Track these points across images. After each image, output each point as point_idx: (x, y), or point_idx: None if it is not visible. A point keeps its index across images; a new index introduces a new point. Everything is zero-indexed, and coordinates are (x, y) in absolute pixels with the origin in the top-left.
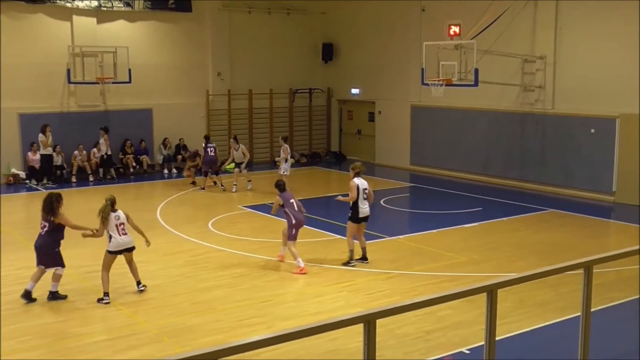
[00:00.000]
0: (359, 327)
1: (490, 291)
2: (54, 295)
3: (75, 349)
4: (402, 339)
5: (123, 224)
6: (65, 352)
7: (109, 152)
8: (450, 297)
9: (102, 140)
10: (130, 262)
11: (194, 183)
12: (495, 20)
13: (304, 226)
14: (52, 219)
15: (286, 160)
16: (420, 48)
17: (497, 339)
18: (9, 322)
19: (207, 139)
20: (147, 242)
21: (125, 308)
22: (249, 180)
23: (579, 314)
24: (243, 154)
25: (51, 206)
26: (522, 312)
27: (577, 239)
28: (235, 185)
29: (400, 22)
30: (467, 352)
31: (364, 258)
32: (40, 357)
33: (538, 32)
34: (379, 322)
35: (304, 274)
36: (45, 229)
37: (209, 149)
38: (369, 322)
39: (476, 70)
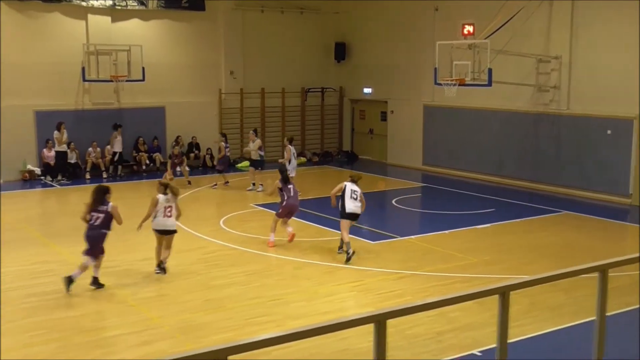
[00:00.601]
0: (370, 327)
1: (503, 293)
2: (96, 282)
3: (90, 344)
4: (413, 339)
5: (171, 207)
6: (80, 347)
7: (122, 148)
8: (462, 299)
9: (119, 137)
10: (166, 248)
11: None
12: (509, 20)
13: (315, 225)
14: (107, 210)
15: (290, 162)
16: (434, 47)
17: (508, 341)
18: (24, 316)
19: (225, 137)
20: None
21: (138, 304)
22: (261, 184)
23: (591, 318)
24: (258, 147)
25: (103, 197)
26: (533, 315)
27: (592, 242)
28: (254, 183)
29: (413, 22)
30: (479, 354)
31: (340, 247)
32: (54, 351)
33: (553, 32)
34: (389, 322)
35: (271, 247)
36: (99, 220)
37: (227, 149)
38: (379, 322)
39: (490, 70)
